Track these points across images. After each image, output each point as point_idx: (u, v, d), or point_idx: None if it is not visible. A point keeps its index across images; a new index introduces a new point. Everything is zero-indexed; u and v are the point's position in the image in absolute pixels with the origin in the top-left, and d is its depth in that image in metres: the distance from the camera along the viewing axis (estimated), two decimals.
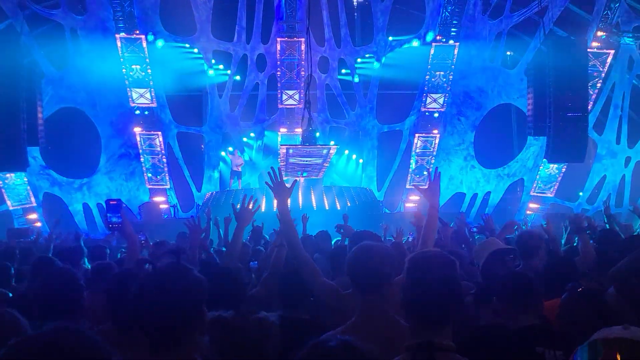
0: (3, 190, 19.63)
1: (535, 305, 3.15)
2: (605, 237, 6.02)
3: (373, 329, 2.49)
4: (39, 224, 19.09)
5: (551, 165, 21.22)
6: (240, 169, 21.44)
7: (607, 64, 20.18)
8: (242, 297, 3.50)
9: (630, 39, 19.78)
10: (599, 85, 20.48)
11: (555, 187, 21.89)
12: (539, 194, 22.13)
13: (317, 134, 20.77)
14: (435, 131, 22.13)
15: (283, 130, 21.69)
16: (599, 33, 19.56)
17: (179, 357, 1.89)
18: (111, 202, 4.00)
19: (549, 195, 22.01)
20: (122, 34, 19.62)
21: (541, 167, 21.70)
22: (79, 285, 3.21)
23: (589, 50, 18.62)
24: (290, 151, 16.96)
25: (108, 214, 3.95)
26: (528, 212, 21.76)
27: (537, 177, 21.95)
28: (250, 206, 4.55)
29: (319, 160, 17.74)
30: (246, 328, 2.63)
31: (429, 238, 3.62)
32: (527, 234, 4.96)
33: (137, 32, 19.74)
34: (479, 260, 4.18)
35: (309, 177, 20.04)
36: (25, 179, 19.69)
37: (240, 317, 3.06)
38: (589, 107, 18.90)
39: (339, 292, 3.33)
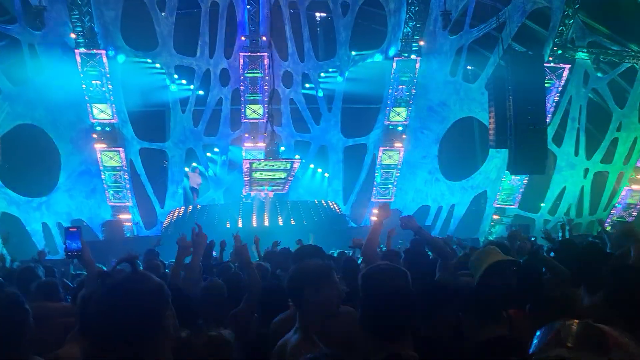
0: None
1: (503, 316, 3.12)
2: (563, 247, 6.09)
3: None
4: None
5: (513, 177, 21.60)
6: (198, 187, 21.22)
7: (564, 78, 20.78)
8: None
9: (585, 54, 20.41)
10: (556, 98, 21.03)
11: (518, 198, 22.28)
12: (502, 206, 22.49)
13: (282, 149, 20.81)
14: (400, 144, 22.35)
15: (247, 144, 21.57)
16: (555, 48, 20.13)
17: None
18: (70, 230, 3.87)
19: (511, 206, 22.38)
20: (82, 49, 19.33)
21: (504, 179, 22.07)
22: (23, 310, 3.03)
23: (545, 65, 19.15)
24: (254, 165, 16.89)
25: (67, 241, 3.82)
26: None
27: (500, 189, 22.31)
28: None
29: (284, 175, 17.69)
30: (198, 345, 2.57)
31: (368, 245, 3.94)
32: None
33: (98, 47, 19.46)
34: (475, 272, 3.83)
35: (274, 192, 19.95)
36: None
37: (193, 334, 2.99)
38: (548, 120, 19.38)
39: None
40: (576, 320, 1.41)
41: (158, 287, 1.87)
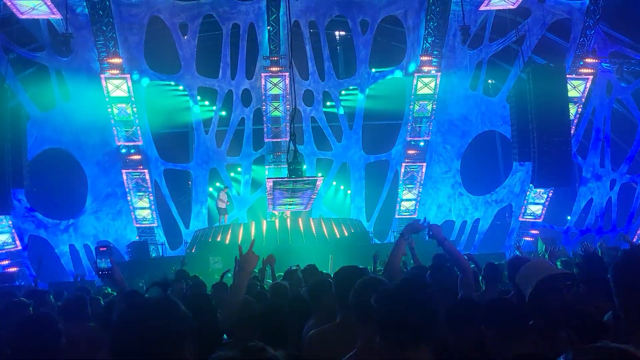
0: None
1: (526, 332, 3.04)
2: (590, 262, 5.98)
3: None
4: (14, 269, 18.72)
5: (538, 190, 21.35)
6: (224, 206, 21.32)
7: (587, 89, 20.56)
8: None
9: (607, 64, 20.21)
10: (579, 110, 20.81)
11: (543, 211, 21.98)
12: (527, 219, 22.20)
13: (304, 167, 20.87)
14: (422, 160, 22.28)
15: (270, 164, 21.73)
16: (577, 59, 19.98)
17: None
18: (101, 249, 3.96)
19: (537, 220, 22.08)
20: (107, 74, 19.75)
21: (528, 193, 21.82)
22: (57, 330, 3.12)
23: (567, 76, 18.99)
24: (277, 184, 16.93)
25: (97, 260, 3.90)
26: (528, 238, 21.77)
27: (525, 202, 22.05)
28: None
29: (307, 193, 17.70)
30: None
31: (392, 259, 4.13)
32: (518, 260, 4.92)
33: (122, 71, 19.89)
34: (525, 287, 3.39)
35: (297, 210, 19.98)
36: (10, 222, 19.41)
37: (247, 355, 2.95)
38: (572, 132, 19.17)
39: None
40: (595, 345, 1.40)
41: (183, 318, 1.88)
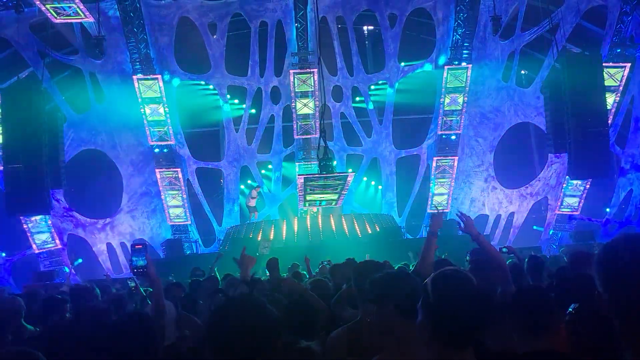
0: (28, 234, 19.93)
1: (552, 327, 2.86)
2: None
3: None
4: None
5: (575, 182, 20.81)
6: (254, 204, 21.44)
7: (624, 77, 19.90)
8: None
9: None
10: (617, 99, 20.17)
11: (581, 204, 21.42)
12: (564, 212, 21.67)
13: (334, 163, 20.81)
14: (454, 154, 21.98)
15: (300, 160, 21.77)
16: (614, 47, 19.37)
17: None
18: (137, 246, 4.03)
19: (574, 212, 21.53)
20: (139, 75, 20.12)
21: (565, 185, 21.29)
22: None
23: (604, 64, 18.39)
24: (308, 181, 16.94)
25: (133, 258, 3.96)
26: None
27: (561, 194, 21.52)
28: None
29: (337, 189, 17.66)
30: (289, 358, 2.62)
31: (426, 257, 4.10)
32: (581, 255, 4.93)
33: (154, 72, 20.20)
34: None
35: (328, 206, 19.95)
36: (50, 222, 19.97)
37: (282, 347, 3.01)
38: (609, 121, 18.59)
39: None
40: None
41: (272, 315, 1.99)
